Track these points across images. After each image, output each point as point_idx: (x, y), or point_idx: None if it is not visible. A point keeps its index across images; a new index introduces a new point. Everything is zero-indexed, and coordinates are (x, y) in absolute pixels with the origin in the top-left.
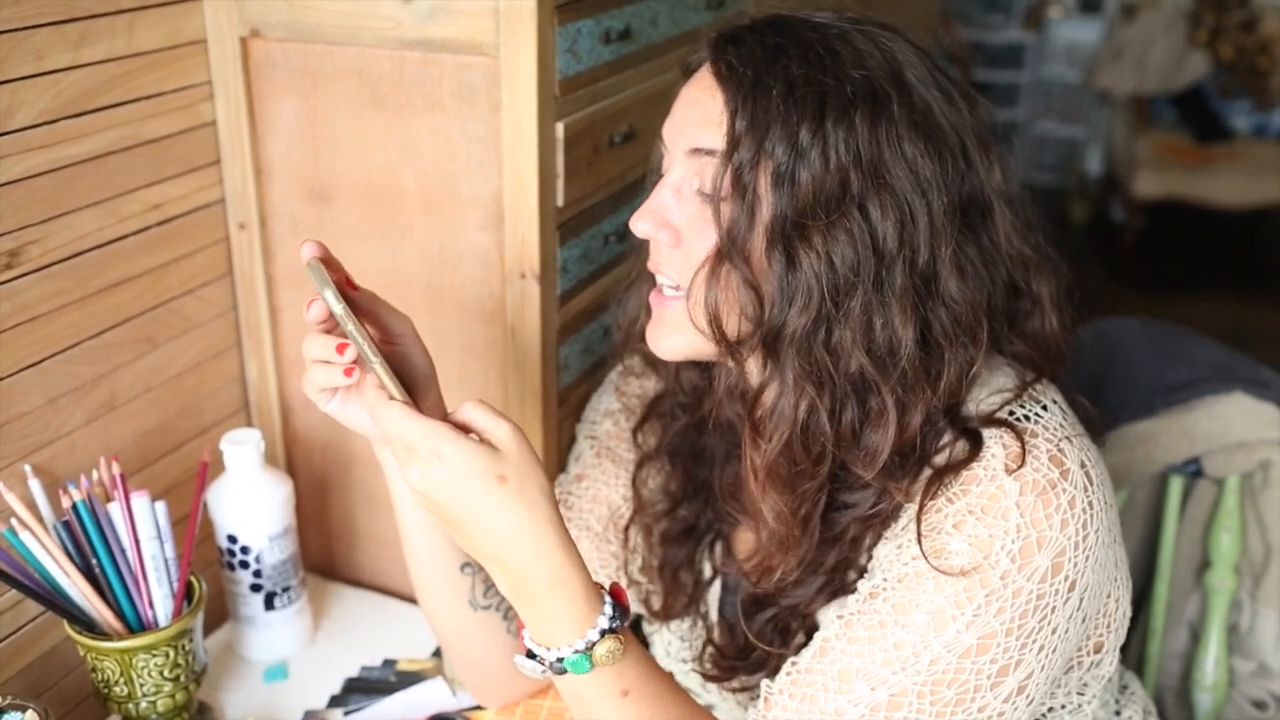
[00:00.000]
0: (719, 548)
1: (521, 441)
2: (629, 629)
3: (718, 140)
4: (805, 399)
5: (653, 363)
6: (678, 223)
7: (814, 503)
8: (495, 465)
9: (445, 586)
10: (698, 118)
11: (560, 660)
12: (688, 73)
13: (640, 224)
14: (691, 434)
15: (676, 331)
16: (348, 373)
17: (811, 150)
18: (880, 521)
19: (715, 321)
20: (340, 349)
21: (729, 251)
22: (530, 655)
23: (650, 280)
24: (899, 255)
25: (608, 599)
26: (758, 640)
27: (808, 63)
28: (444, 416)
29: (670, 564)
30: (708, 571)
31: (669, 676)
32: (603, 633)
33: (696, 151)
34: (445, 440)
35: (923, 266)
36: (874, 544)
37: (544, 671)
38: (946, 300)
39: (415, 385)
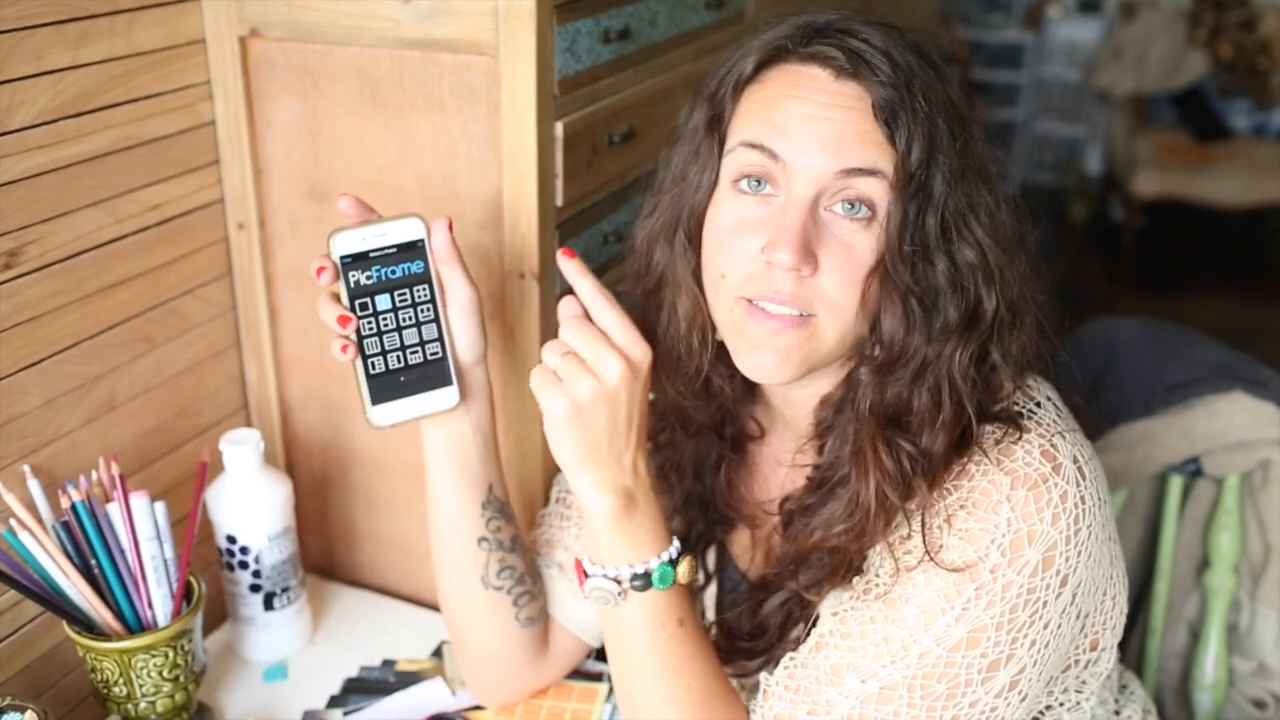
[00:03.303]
0: (712, 554)
1: None
2: None
3: (881, 160)
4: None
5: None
6: (817, 249)
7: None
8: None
9: (461, 557)
10: (852, 137)
11: (647, 573)
12: (787, 76)
13: (783, 254)
14: (686, 445)
15: (794, 355)
16: (344, 349)
17: (953, 152)
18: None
19: (875, 334)
20: (342, 321)
21: (893, 266)
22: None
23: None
24: (1014, 235)
25: None
26: (763, 623)
27: (926, 77)
28: (490, 395)
29: None
30: (700, 578)
31: None
32: (678, 551)
33: (852, 172)
34: (640, 348)
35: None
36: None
37: (619, 592)
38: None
39: (457, 361)
